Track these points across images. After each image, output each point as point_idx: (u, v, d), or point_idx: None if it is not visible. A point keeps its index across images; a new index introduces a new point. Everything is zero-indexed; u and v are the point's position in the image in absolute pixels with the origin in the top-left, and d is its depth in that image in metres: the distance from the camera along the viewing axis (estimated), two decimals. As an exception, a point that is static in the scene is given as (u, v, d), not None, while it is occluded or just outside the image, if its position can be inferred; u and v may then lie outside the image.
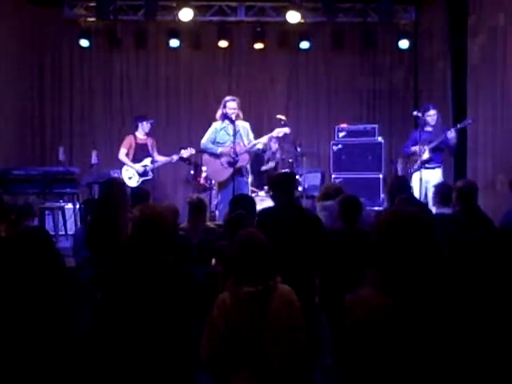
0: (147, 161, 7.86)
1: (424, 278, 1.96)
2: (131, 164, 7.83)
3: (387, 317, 1.94)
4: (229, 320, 2.76)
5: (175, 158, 7.89)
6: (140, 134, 7.98)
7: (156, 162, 7.94)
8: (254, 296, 2.78)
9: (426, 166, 6.97)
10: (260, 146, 6.91)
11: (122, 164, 7.92)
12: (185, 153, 7.77)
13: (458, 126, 6.93)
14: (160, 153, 8.13)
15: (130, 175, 7.81)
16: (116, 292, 2.63)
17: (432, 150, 6.97)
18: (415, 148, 7.09)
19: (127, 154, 7.90)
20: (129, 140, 7.95)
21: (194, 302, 2.67)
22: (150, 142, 8.03)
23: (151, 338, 2.55)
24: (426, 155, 6.98)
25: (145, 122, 7.97)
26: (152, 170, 7.90)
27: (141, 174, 7.81)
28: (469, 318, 2.04)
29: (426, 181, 6.83)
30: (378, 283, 2.01)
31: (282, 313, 2.80)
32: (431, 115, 7.11)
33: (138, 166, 7.81)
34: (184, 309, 2.61)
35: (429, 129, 7.12)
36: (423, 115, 7.11)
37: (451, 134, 6.84)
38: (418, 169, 7.00)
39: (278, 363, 2.76)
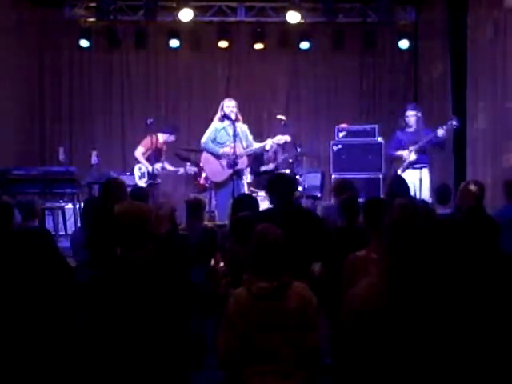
0: (159, 165, 7.93)
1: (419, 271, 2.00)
2: (147, 164, 7.87)
3: (376, 305, 1.98)
4: (243, 315, 2.76)
5: (181, 170, 8.01)
6: (162, 138, 8.03)
7: (165, 169, 8.03)
8: (268, 292, 2.77)
9: (414, 166, 7.01)
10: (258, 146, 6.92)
11: (136, 161, 7.97)
12: (190, 169, 7.93)
13: (444, 126, 6.88)
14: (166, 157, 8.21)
15: (141, 174, 7.86)
16: (95, 292, 2.65)
17: (417, 152, 7.00)
18: (401, 152, 7.14)
19: (143, 153, 7.94)
20: (150, 141, 7.92)
21: (175, 299, 2.65)
22: (165, 148, 8.12)
23: (130, 337, 2.55)
24: (412, 156, 7.01)
25: (173, 137, 8.07)
26: (160, 176, 7.96)
27: (151, 177, 7.85)
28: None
29: (414, 181, 6.83)
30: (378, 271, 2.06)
31: (296, 310, 2.78)
32: (411, 115, 7.13)
33: (152, 168, 7.86)
34: (162, 305, 2.60)
35: (410, 129, 7.15)
36: (404, 116, 7.17)
37: (441, 132, 6.84)
38: (405, 170, 7.04)
39: (291, 362, 2.75)
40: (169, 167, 8.09)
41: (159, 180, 7.94)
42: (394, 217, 2.14)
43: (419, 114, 7.13)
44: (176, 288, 2.66)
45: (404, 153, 7.09)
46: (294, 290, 2.82)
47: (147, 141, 7.95)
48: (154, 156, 7.91)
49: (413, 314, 1.98)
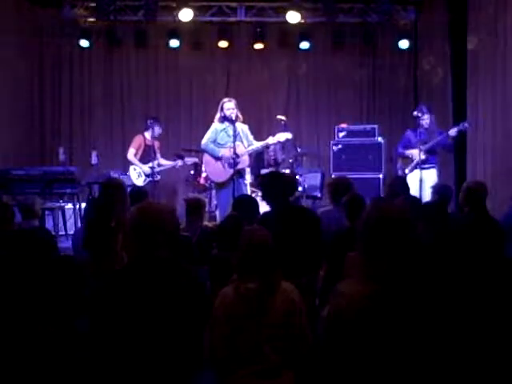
0: (154, 163, 7.92)
1: (403, 268, 2.00)
2: (140, 164, 7.89)
3: (362, 306, 1.98)
4: (229, 314, 2.78)
5: (180, 163, 8.05)
6: (148, 135, 8.01)
7: (161, 165, 8.03)
8: (254, 292, 2.78)
9: (422, 166, 7.02)
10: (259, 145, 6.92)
11: (129, 163, 8.00)
12: (189, 161, 8.01)
13: (456, 128, 7.00)
14: (160, 153, 8.16)
15: (138, 174, 7.88)
16: (112, 290, 2.63)
17: (427, 151, 7.04)
18: (410, 152, 7.16)
19: (135, 154, 7.95)
20: (139, 140, 7.99)
21: (196, 300, 2.64)
22: (156, 144, 8.10)
23: (149, 338, 2.54)
24: (421, 156, 7.04)
25: (157, 127, 8.03)
26: (158, 173, 7.96)
27: (147, 175, 7.87)
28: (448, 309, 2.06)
29: (422, 181, 6.84)
30: (362, 273, 2.06)
31: (282, 310, 2.80)
32: (425, 119, 7.17)
33: (146, 167, 7.87)
34: (184, 306, 2.59)
35: (422, 129, 7.18)
36: (418, 118, 7.19)
37: (453, 133, 6.91)
38: (413, 169, 7.06)
39: (277, 361, 2.76)
40: (164, 162, 8.10)
41: (158, 177, 7.95)
42: (368, 219, 2.13)
43: (427, 118, 7.16)
44: (196, 290, 2.66)
45: (414, 152, 7.11)
46: (281, 291, 2.83)
47: (136, 141, 8.02)
48: (147, 154, 7.92)
49: (396, 319, 1.97)
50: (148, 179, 7.86)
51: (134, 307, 2.55)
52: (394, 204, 2.24)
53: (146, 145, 7.96)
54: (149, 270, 2.58)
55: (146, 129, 8.03)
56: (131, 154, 7.97)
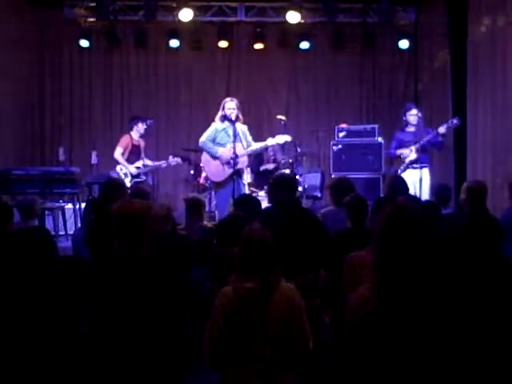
0: (139, 163, 7.93)
1: (416, 273, 2.00)
2: (126, 164, 7.89)
3: (368, 313, 1.98)
4: (228, 314, 2.77)
5: (164, 165, 8.04)
6: (135, 135, 8.01)
7: (147, 165, 8.02)
8: (253, 292, 2.78)
9: (414, 166, 7.01)
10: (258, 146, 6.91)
11: (117, 162, 7.97)
12: (173, 161, 7.98)
13: (445, 125, 6.94)
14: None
15: (124, 175, 7.86)
16: (95, 289, 2.63)
17: (418, 151, 7.02)
18: (401, 151, 7.16)
19: (122, 154, 7.94)
20: (126, 140, 7.99)
21: (176, 298, 2.63)
22: (142, 144, 8.10)
23: (131, 335, 2.54)
24: (412, 155, 7.03)
25: (140, 124, 8.00)
26: (144, 173, 7.96)
27: (134, 176, 7.87)
28: (455, 315, 2.05)
29: (414, 181, 6.83)
30: (373, 279, 2.05)
31: (281, 311, 2.79)
32: (413, 114, 7.15)
33: (132, 168, 7.87)
34: (163, 304, 2.58)
35: (411, 129, 7.18)
36: (405, 115, 7.18)
37: (442, 130, 6.87)
38: (405, 169, 7.06)
39: (275, 361, 2.76)
40: (149, 163, 8.11)
41: (143, 177, 7.95)
42: (382, 225, 2.11)
43: (419, 114, 7.16)
44: (176, 288, 2.65)
45: (405, 151, 7.10)
46: (280, 291, 2.82)
47: (123, 140, 8.00)
48: (133, 154, 7.94)
49: (407, 328, 1.97)
50: (134, 180, 7.86)
51: (115, 305, 2.55)
52: (411, 206, 2.21)
53: (133, 145, 7.97)
54: (127, 269, 2.59)
55: (131, 129, 8.04)
56: (118, 153, 7.94)
